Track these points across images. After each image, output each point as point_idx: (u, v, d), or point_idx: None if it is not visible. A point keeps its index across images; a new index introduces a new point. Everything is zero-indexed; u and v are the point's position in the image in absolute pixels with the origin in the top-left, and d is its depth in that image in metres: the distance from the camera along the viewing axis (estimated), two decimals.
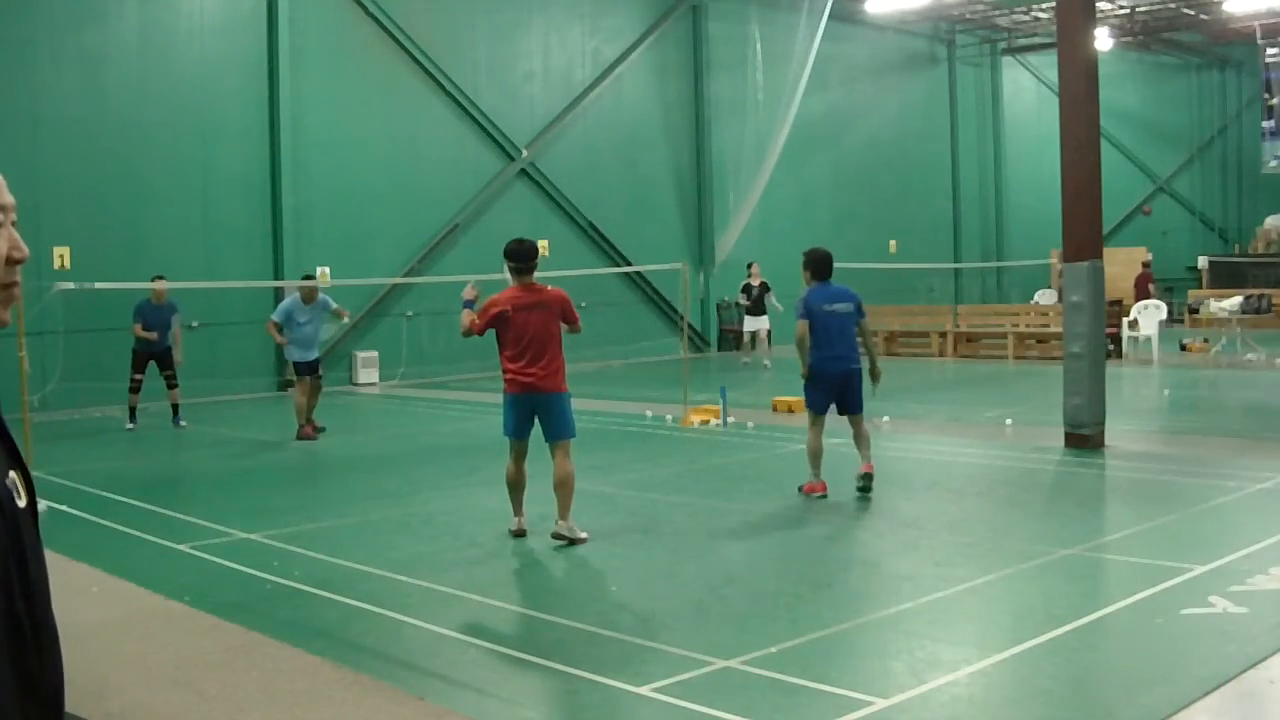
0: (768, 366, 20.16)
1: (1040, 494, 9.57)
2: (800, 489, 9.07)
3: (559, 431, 7.65)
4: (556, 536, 7.60)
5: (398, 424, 14.70)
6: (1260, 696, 4.81)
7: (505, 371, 7.69)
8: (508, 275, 7.79)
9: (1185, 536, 7.53)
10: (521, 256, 7.70)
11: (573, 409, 7.83)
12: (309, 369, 13.04)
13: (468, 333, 7.79)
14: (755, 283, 20.57)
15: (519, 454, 7.77)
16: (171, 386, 14.43)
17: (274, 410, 16.12)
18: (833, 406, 9.13)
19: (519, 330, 7.56)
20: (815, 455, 8.99)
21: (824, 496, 8.89)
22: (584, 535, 7.61)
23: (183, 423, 14.40)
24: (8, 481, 1.52)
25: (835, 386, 8.97)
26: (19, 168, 15.47)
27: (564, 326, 7.78)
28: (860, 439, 9.04)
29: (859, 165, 28.12)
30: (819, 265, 9.09)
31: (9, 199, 1.62)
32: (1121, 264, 26.36)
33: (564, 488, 7.58)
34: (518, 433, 7.72)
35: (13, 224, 1.65)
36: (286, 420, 13.68)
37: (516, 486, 7.82)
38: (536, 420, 7.72)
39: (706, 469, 10.71)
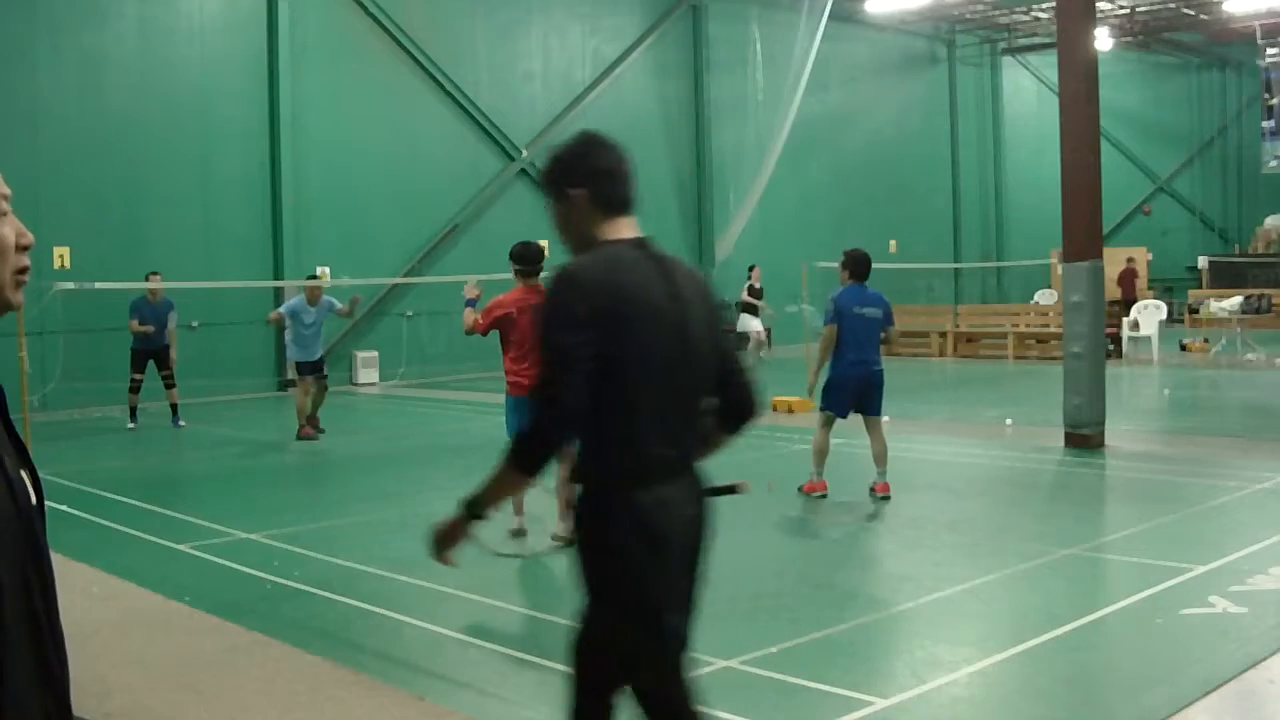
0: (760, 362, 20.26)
1: (1040, 494, 9.57)
2: (800, 489, 9.05)
3: None
4: (557, 538, 7.59)
5: (398, 424, 14.70)
6: (1260, 696, 4.81)
7: (508, 374, 7.65)
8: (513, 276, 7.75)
9: (1185, 536, 7.53)
10: (528, 259, 7.66)
11: None
12: (312, 369, 13.04)
13: (470, 331, 7.77)
14: (758, 284, 20.78)
15: None
16: (169, 386, 14.44)
17: (274, 410, 16.12)
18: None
19: (523, 332, 7.52)
20: (820, 454, 8.95)
21: (824, 496, 8.88)
22: None
23: (182, 423, 14.40)
24: (16, 481, 1.54)
25: (857, 390, 8.87)
26: (19, 167, 15.47)
27: None
28: (878, 450, 8.89)
29: (859, 165, 28.11)
30: (858, 266, 8.96)
31: (5, 189, 1.65)
32: (1121, 264, 26.42)
33: (567, 489, 7.57)
34: None
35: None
36: (286, 420, 13.68)
37: None
38: None
39: (706, 469, 10.69)
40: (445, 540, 2.96)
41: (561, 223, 3.04)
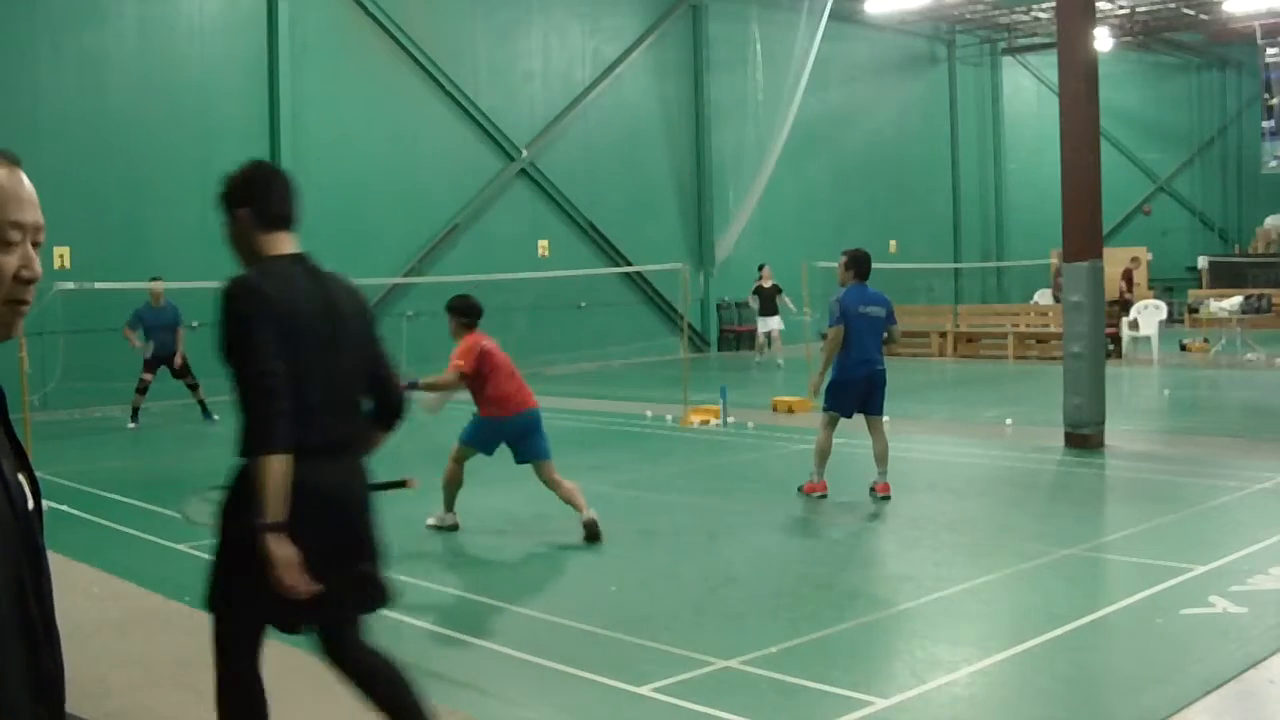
0: (780, 366, 20.13)
1: (1040, 494, 9.57)
2: (800, 489, 9.05)
3: (545, 451, 7.85)
4: (587, 525, 7.68)
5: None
6: (1260, 696, 4.81)
7: (492, 402, 7.81)
8: (454, 329, 7.97)
9: (1185, 536, 7.53)
10: (473, 312, 7.97)
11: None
12: None
13: (456, 385, 7.83)
14: (766, 284, 20.64)
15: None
16: (194, 387, 14.45)
17: None
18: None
19: (499, 362, 7.87)
20: (822, 454, 8.94)
21: (824, 496, 8.88)
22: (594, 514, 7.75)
23: (215, 417, 14.40)
24: (14, 485, 1.53)
25: (862, 390, 8.88)
26: None
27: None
28: (879, 449, 8.88)
29: (859, 165, 28.11)
30: (860, 265, 9.01)
31: (29, 218, 1.61)
32: (1121, 264, 26.39)
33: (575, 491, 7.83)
34: (489, 452, 8.04)
35: (35, 245, 1.63)
36: None
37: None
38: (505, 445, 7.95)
39: (706, 469, 10.71)
40: (277, 568, 3.18)
41: (232, 238, 3.54)
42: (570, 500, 7.73)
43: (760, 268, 21.14)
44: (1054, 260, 24.02)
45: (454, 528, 8.14)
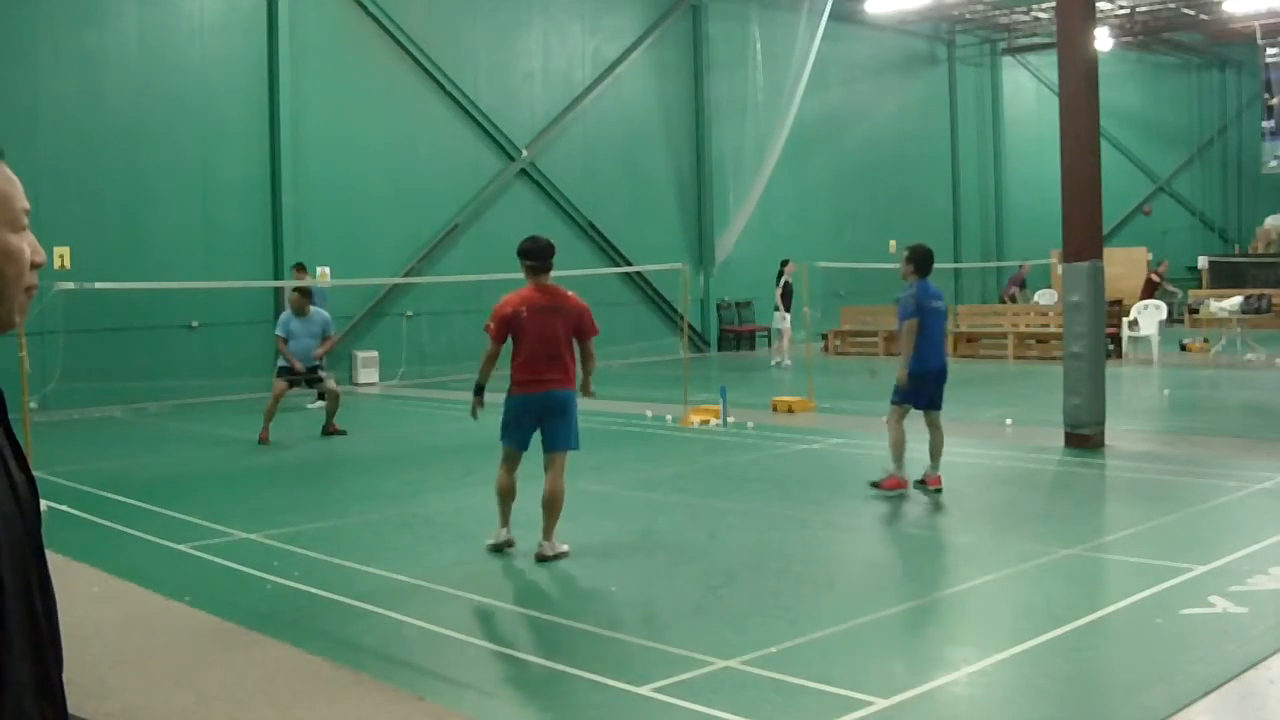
0: (788, 366, 20.01)
1: (1040, 494, 9.57)
2: (877, 485, 8.91)
3: (564, 440, 7.20)
4: (541, 558, 7.20)
5: (398, 424, 14.69)
6: (1260, 696, 4.81)
7: (515, 371, 7.22)
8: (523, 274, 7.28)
9: (1185, 536, 7.53)
10: (538, 254, 7.17)
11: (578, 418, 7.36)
12: (301, 375, 13.10)
13: (494, 355, 7.29)
14: (790, 280, 20.41)
15: (514, 463, 7.43)
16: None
17: None
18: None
19: (537, 334, 7.11)
20: (898, 447, 8.94)
21: (904, 495, 8.80)
22: (565, 548, 7.28)
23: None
24: (21, 485, 1.54)
25: (933, 382, 9.01)
26: (19, 167, 15.18)
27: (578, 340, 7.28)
28: (936, 444, 8.99)
29: (859, 165, 28.11)
30: (923, 261, 9.08)
31: (25, 202, 1.63)
32: (1121, 264, 26.38)
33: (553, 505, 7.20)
34: (520, 443, 7.35)
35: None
36: (286, 420, 13.67)
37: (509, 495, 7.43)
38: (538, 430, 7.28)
39: (706, 469, 10.71)
40: None
41: None
42: (546, 513, 7.18)
43: (784, 263, 20.83)
44: (1054, 260, 24.00)
45: (507, 544, 7.35)
